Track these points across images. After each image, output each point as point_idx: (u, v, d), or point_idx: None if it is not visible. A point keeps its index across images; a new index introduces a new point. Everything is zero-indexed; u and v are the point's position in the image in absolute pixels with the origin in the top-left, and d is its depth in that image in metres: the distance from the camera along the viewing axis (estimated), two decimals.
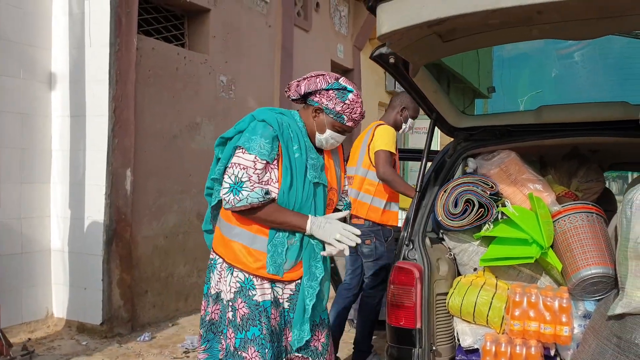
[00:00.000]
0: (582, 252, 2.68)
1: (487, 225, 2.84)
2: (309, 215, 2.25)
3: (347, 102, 2.27)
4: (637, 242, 2.36)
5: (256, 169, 2.17)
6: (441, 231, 3.00)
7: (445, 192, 2.89)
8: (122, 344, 4.58)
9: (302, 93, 2.31)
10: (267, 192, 2.19)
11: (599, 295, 2.66)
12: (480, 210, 2.81)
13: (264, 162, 2.18)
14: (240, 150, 2.20)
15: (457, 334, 2.80)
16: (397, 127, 4.15)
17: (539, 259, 2.73)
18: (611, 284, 2.62)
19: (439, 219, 2.87)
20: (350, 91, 2.29)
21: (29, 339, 4.54)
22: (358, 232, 2.26)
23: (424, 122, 7.57)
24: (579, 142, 3.00)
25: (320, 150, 2.42)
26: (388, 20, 2.07)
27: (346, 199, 2.67)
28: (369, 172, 3.98)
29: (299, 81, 2.33)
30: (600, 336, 2.43)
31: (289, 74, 7.23)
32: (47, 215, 4.86)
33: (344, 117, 2.28)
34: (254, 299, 2.24)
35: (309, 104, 2.34)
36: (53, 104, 4.86)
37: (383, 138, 3.90)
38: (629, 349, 2.29)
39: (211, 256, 2.42)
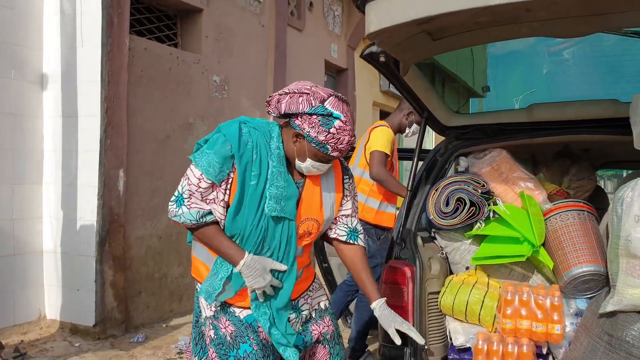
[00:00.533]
0: (573, 250, 2.68)
1: (478, 224, 2.84)
2: (247, 254, 2.01)
3: (332, 130, 1.92)
4: (628, 239, 2.37)
5: (199, 187, 1.96)
6: (433, 230, 3.00)
7: (436, 190, 2.89)
8: (115, 346, 4.57)
9: (282, 112, 1.98)
10: (207, 214, 1.99)
11: (591, 293, 2.67)
12: (472, 208, 2.81)
13: (209, 181, 1.96)
14: (192, 163, 1.99)
15: (449, 332, 2.80)
16: (401, 130, 4.17)
17: (531, 257, 2.74)
18: (603, 282, 2.62)
19: (430, 217, 2.87)
20: (337, 117, 1.92)
21: (22, 341, 4.51)
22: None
23: None
24: (570, 140, 3.00)
25: (301, 174, 2.12)
26: (377, 18, 2.06)
27: (351, 224, 2.28)
28: (364, 172, 4.00)
29: (280, 95, 1.99)
30: (591, 334, 2.43)
31: (282, 74, 7.23)
32: (39, 217, 4.84)
33: (328, 147, 1.95)
34: (236, 315, 2.11)
35: (290, 125, 2.02)
36: (45, 105, 4.83)
37: (378, 139, 3.93)
38: (620, 346, 2.29)
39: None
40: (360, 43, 9.45)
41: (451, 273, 2.98)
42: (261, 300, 2.06)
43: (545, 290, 2.62)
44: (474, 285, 2.77)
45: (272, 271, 2.06)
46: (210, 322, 2.13)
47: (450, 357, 2.80)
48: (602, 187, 4.53)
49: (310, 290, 2.31)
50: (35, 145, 4.79)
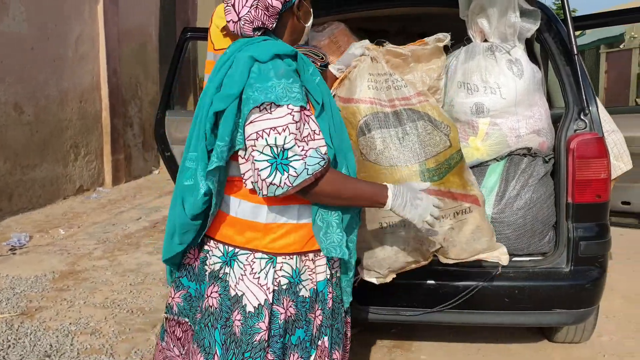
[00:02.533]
0: None
1: None
2: (388, 185, 1.62)
3: None
4: (451, 104, 2.56)
5: (295, 122, 1.48)
6: None
7: None
8: None
9: (279, 10, 1.60)
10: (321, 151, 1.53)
11: None
12: None
13: (299, 107, 1.50)
14: (266, 107, 1.49)
15: None
16: None
17: None
18: None
19: None
20: None
21: None
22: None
23: None
24: (403, 12, 3.06)
25: None
26: None
27: None
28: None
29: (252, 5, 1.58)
30: None
31: None
32: None
33: None
34: (300, 294, 1.63)
35: (284, 12, 1.63)
36: None
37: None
38: None
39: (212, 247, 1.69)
40: None
41: None
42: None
43: None
44: None
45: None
46: (268, 310, 1.59)
47: None
48: None
49: None
50: None
